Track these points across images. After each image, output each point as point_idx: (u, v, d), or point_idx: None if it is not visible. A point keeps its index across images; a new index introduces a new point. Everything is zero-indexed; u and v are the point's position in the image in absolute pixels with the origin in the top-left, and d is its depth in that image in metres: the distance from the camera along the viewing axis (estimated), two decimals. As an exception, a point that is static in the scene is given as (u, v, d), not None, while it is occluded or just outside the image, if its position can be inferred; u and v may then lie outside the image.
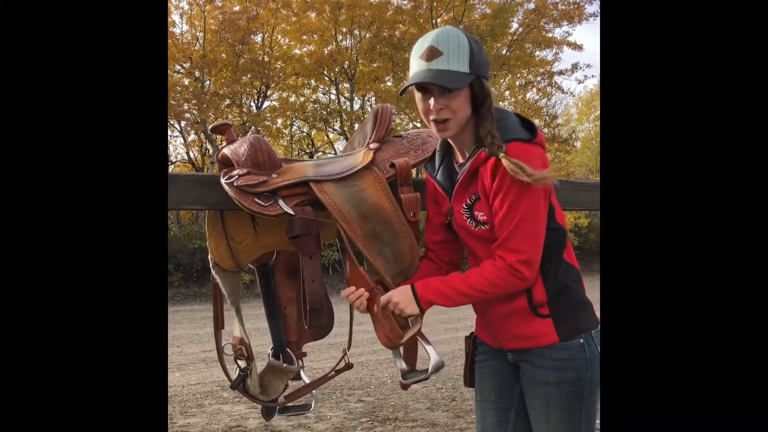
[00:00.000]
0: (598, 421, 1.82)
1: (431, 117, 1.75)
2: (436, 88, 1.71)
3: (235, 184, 1.79)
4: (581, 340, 1.80)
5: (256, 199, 1.78)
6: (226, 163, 1.92)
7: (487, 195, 1.73)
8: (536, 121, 21.36)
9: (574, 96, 28.31)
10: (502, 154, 1.68)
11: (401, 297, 1.78)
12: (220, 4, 19.30)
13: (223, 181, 1.81)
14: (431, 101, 1.73)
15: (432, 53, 1.70)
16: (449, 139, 1.83)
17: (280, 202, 1.80)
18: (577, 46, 22.13)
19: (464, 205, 1.80)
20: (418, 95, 1.77)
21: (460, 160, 1.84)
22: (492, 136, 1.71)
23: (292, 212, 1.79)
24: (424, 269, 1.93)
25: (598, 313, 1.74)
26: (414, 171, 1.98)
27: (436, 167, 1.90)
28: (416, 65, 1.74)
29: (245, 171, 1.82)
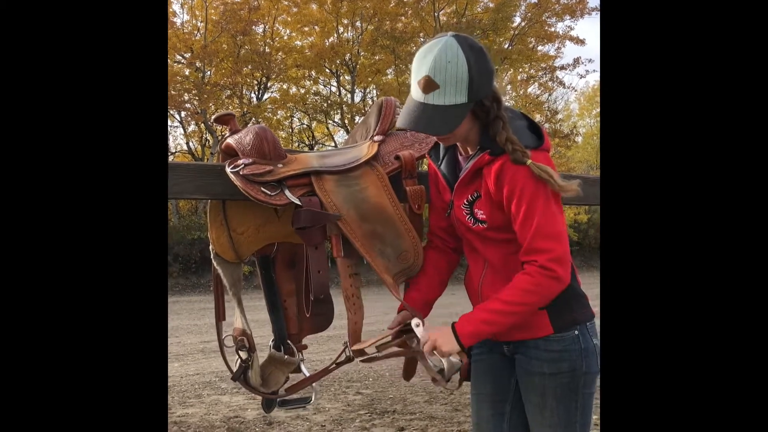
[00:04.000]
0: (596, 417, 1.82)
1: None
2: None
3: (241, 173, 1.77)
4: (576, 332, 1.80)
5: (262, 189, 1.76)
6: (230, 153, 1.90)
7: (489, 195, 1.73)
8: (537, 117, 21.45)
9: (575, 91, 28.33)
10: (529, 161, 1.67)
11: (441, 338, 1.72)
12: (221, -6, 19.24)
13: (228, 170, 1.79)
14: None
15: (428, 85, 1.67)
16: None
17: (287, 192, 1.78)
18: (579, 41, 22.13)
19: (465, 201, 1.80)
20: None
21: (464, 154, 1.85)
22: (512, 142, 1.69)
23: (299, 202, 1.77)
24: (431, 260, 1.93)
25: (596, 308, 1.74)
26: (418, 164, 1.97)
27: (440, 156, 1.90)
28: (414, 91, 1.72)
29: (250, 161, 1.81)
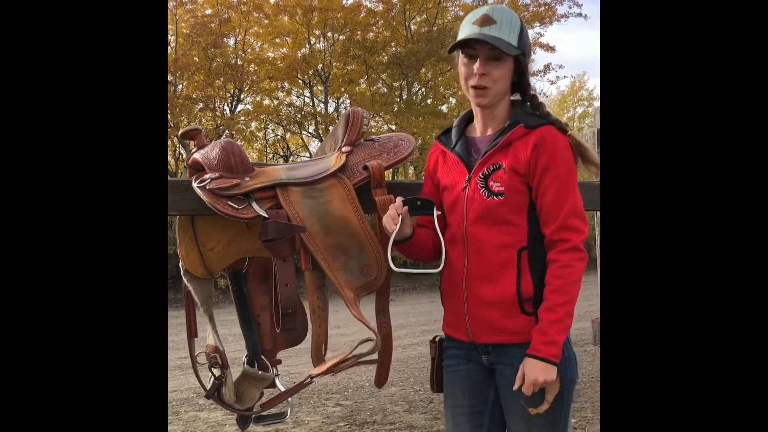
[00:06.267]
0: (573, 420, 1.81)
1: (472, 82, 1.80)
2: (484, 54, 1.77)
3: (207, 187, 1.76)
4: None
5: (229, 202, 1.75)
6: (198, 168, 1.89)
7: (518, 166, 1.76)
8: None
9: (547, 97, 28.51)
10: (570, 132, 1.79)
11: (540, 372, 1.68)
12: (191, 8, 19.15)
13: (195, 184, 1.78)
14: (476, 66, 1.78)
15: (486, 20, 1.77)
16: (478, 112, 1.88)
17: (254, 204, 1.78)
18: (549, 48, 22.31)
19: (480, 175, 1.81)
20: (463, 59, 1.82)
21: (478, 135, 1.89)
22: (551, 115, 1.82)
23: (266, 215, 1.76)
24: (421, 234, 1.90)
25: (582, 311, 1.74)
26: (389, 173, 1.96)
27: (454, 141, 1.93)
28: (468, 30, 1.79)
29: (217, 175, 1.79)
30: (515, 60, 1.81)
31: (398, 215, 1.77)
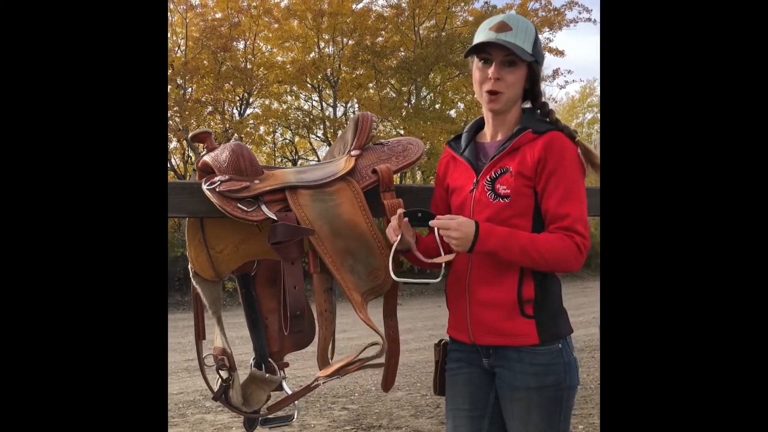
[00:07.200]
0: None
1: (485, 87, 1.83)
2: (499, 59, 1.81)
3: (217, 189, 1.77)
4: (560, 345, 1.81)
5: (239, 205, 1.76)
6: (207, 171, 1.90)
7: (526, 169, 1.78)
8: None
9: (556, 102, 28.46)
10: (578, 138, 1.82)
11: (461, 233, 1.71)
12: (201, 11, 19.23)
13: (204, 187, 1.79)
14: (490, 70, 1.81)
15: (502, 27, 1.81)
16: (489, 118, 1.90)
17: (263, 207, 1.78)
18: (558, 52, 22.29)
19: (487, 178, 1.83)
20: (477, 63, 1.85)
21: (488, 140, 1.91)
22: (560, 122, 1.86)
23: (275, 218, 1.77)
24: (430, 240, 1.91)
25: (580, 318, 1.73)
26: (397, 177, 1.97)
27: (463, 146, 1.96)
28: (484, 35, 1.82)
29: (227, 177, 1.80)
30: (528, 67, 1.84)
31: (399, 227, 1.78)
